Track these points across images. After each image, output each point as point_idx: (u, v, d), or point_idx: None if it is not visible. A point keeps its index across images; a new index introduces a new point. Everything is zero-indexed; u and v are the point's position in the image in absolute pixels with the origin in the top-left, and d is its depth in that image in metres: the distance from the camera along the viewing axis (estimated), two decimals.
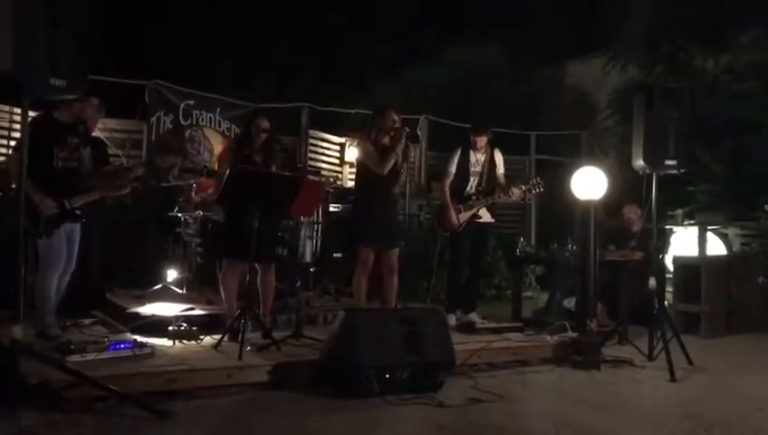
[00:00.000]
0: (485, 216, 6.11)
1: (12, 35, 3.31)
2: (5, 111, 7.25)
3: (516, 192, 6.06)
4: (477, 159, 6.12)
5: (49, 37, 3.46)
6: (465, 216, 6.04)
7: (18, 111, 6.38)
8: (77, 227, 4.79)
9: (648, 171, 5.41)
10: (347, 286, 7.07)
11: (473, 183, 6.09)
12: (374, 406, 3.94)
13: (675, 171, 5.46)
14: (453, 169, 6.12)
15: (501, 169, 6.17)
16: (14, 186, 5.80)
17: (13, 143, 7.10)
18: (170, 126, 8.19)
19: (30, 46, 3.38)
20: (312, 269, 6.03)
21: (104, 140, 5.90)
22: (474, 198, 6.06)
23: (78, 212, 4.73)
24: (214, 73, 11.73)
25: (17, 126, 7.05)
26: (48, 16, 3.46)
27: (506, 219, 10.24)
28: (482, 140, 6.05)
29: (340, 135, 9.85)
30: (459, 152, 6.14)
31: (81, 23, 3.62)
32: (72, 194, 4.67)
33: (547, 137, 11.18)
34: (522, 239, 7.79)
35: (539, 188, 6.15)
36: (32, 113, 4.16)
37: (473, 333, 5.57)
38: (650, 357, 5.31)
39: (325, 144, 9.75)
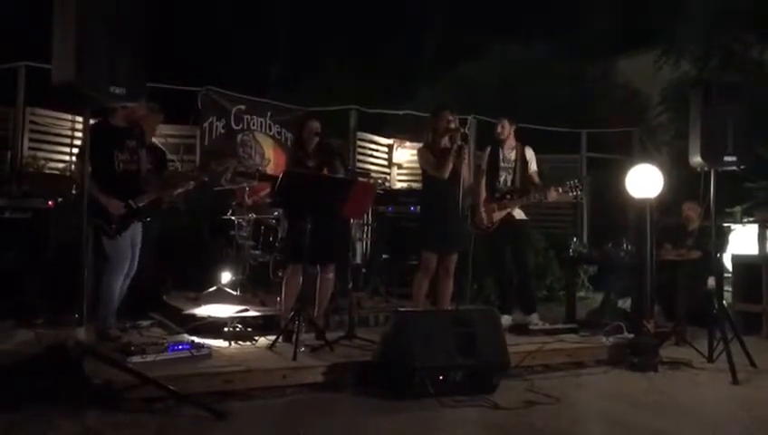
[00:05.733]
0: (519, 214, 6.00)
1: (74, 47, 3.43)
2: (67, 120, 7.49)
3: (553, 194, 5.81)
4: (506, 156, 6.03)
5: (108, 47, 3.57)
6: (498, 215, 5.95)
7: (80, 119, 6.60)
8: (139, 228, 4.93)
9: (705, 168, 5.28)
10: (397, 287, 7.10)
11: (504, 181, 6.01)
12: (428, 408, 3.93)
13: (734, 168, 5.30)
14: (484, 166, 6.07)
15: (533, 167, 6.02)
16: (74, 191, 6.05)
17: (75, 151, 7.37)
18: (222, 131, 8.35)
19: (91, 57, 3.49)
20: (362, 270, 6.05)
21: (162, 147, 6.03)
22: (507, 196, 5.96)
23: (143, 211, 4.87)
24: (263, 78, 11.89)
25: (79, 134, 7.28)
26: (107, 27, 3.57)
27: (558, 219, 10.14)
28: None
29: (387, 136, 9.87)
30: (489, 150, 6.10)
31: (138, 31, 3.71)
32: (135, 194, 4.80)
33: (598, 135, 11.00)
34: (575, 239, 7.66)
35: (578, 191, 5.85)
36: (92, 120, 4.29)
37: (527, 335, 5.51)
38: (710, 359, 5.17)
39: (373, 146, 9.78)
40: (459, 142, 5.29)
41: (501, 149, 6.04)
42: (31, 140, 7.30)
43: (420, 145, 5.77)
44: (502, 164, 6.02)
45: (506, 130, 6.04)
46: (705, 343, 5.23)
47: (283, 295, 5.20)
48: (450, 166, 5.29)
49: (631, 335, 5.41)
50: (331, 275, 5.29)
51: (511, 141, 6.07)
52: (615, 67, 12.86)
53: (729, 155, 5.23)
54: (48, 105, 7.39)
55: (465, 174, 5.39)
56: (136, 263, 4.93)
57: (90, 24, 3.50)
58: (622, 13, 12.46)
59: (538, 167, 6.10)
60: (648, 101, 11.54)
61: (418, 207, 6.45)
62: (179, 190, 5.41)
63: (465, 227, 5.68)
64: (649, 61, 11.01)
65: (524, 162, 6.02)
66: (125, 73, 3.63)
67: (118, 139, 4.79)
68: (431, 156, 5.43)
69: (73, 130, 7.50)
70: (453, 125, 5.38)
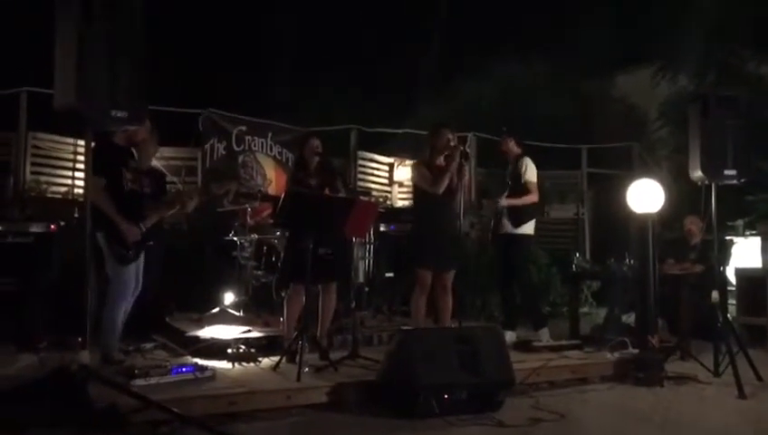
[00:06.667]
0: (508, 227, 5.99)
1: (75, 72, 3.45)
2: (69, 144, 7.52)
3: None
4: (509, 169, 6.11)
5: (109, 71, 3.59)
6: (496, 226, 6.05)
7: (82, 142, 6.62)
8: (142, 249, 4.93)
9: (706, 182, 5.29)
10: (400, 306, 7.09)
11: (504, 194, 6.05)
12: (434, 427, 3.92)
13: (734, 181, 5.32)
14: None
15: (526, 177, 5.98)
16: (75, 214, 6.05)
17: (78, 174, 7.39)
18: (224, 152, 8.37)
19: (92, 81, 3.52)
20: (365, 289, 6.05)
21: (163, 170, 6.05)
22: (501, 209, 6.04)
23: (149, 235, 4.87)
24: (264, 99, 11.94)
25: (81, 157, 7.29)
26: (108, 51, 3.60)
27: (560, 234, 10.12)
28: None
29: (388, 155, 9.90)
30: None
31: (139, 55, 3.74)
32: (142, 216, 4.81)
33: (598, 150, 11.02)
34: (577, 254, 7.66)
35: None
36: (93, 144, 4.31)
37: (531, 352, 5.49)
38: (716, 373, 5.14)
39: (374, 165, 9.81)
40: (459, 160, 5.29)
41: (507, 166, 6.13)
42: (33, 164, 7.31)
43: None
44: (506, 179, 6.10)
45: (505, 144, 6.11)
46: (710, 357, 5.21)
47: (285, 316, 5.19)
48: (446, 182, 5.30)
49: (636, 350, 5.40)
50: (333, 295, 5.28)
51: (514, 154, 6.11)
52: (613, 83, 12.91)
53: (729, 169, 5.24)
54: (50, 129, 7.42)
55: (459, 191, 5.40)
56: (140, 284, 4.93)
57: (91, 48, 3.53)
58: (619, 29, 12.54)
59: (538, 179, 6.07)
60: (647, 117, 11.57)
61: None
62: (173, 211, 5.36)
63: (460, 244, 5.69)
64: (647, 76, 11.06)
65: (518, 172, 6.03)
66: (126, 97, 3.65)
67: (123, 158, 4.81)
68: (427, 171, 5.43)
69: (75, 153, 7.52)
70: (452, 143, 5.40)
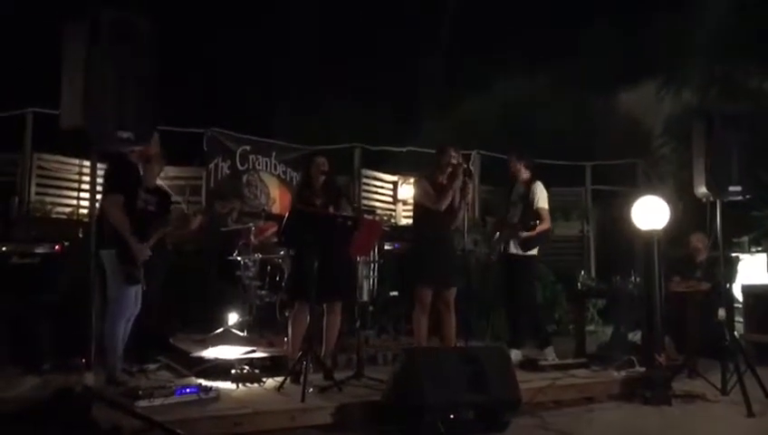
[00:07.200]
0: (514, 248, 6.00)
1: (83, 92, 3.47)
2: (74, 164, 7.56)
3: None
4: (517, 191, 6.11)
5: (116, 91, 3.62)
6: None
7: (87, 163, 6.66)
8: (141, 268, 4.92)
9: (711, 198, 5.27)
10: (405, 325, 7.05)
11: (511, 216, 6.07)
12: None
13: (739, 197, 5.30)
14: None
15: (539, 203, 6.00)
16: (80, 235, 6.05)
17: (84, 195, 7.42)
18: (228, 171, 8.39)
19: (99, 101, 3.54)
20: (370, 308, 6.02)
21: (167, 189, 6.06)
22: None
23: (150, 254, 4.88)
24: (268, 118, 11.99)
25: (86, 178, 7.34)
26: (114, 71, 3.62)
27: (565, 252, 10.09)
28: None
29: (392, 173, 9.91)
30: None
31: (145, 76, 3.76)
32: (146, 236, 4.81)
33: (602, 167, 11.02)
34: (582, 272, 7.62)
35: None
36: (100, 164, 4.33)
37: (537, 371, 5.46)
38: (724, 391, 5.10)
39: (378, 183, 9.83)
40: (462, 178, 5.30)
41: (515, 185, 6.12)
42: (38, 185, 7.35)
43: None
44: (512, 199, 6.09)
45: (514, 167, 6.10)
46: (717, 376, 5.16)
47: (290, 335, 5.17)
48: (449, 199, 5.30)
49: (643, 369, 5.35)
50: (338, 315, 5.26)
51: (524, 177, 6.11)
52: (617, 99, 12.93)
53: (734, 185, 5.22)
54: (55, 150, 7.46)
55: (461, 209, 5.40)
56: (139, 303, 4.92)
57: (98, 68, 3.56)
58: (623, 44, 12.58)
59: (552, 197, 6.11)
60: (651, 133, 11.58)
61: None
62: (179, 232, 5.37)
63: (461, 262, 5.69)
64: (651, 92, 11.08)
65: (530, 198, 6.03)
66: (132, 117, 3.68)
67: (138, 176, 4.83)
68: (430, 187, 5.44)
69: (80, 174, 7.57)
70: (455, 160, 5.40)
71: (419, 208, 5.58)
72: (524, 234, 5.92)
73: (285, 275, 6.12)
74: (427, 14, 13.76)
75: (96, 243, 3.90)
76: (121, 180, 4.33)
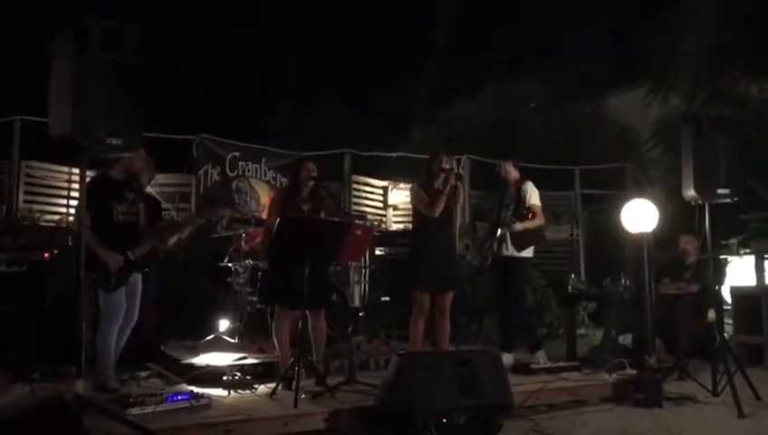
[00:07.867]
0: (509, 250, 6.00)
1: (71, 100, 3.46)
2: (63, 172, 7.53)
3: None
4: (510, 193, 6.13)
5: (105, 98, 3.60)
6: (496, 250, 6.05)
7: (76, 171, 6.63)
8: (139, 278, 4.93)
9: (699, 201, 5.31)
10: (396, 330, 7.05)
11: (515, 222, 6.03)
12: None
13: (727, 200, 5.35)
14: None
15: (532, 200, 6.03)
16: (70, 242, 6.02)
17: (72, 202, 7.39)
18: (217, 178, 8.36)
19: (88, 108, 3.53)
20: (361, 314, 6.01)
21: (157, 196, 6.04)
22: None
23: (141, 262, 4.86)
24: (257, 124, 11.99)
25: (75, 185, 7.30)
26: (103, 79, 3.61)
27: (555, 256, 10.12)
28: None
29: (382, 179, 9.92)
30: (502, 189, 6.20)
31: (134, 83, 3.75)
32: (133, 246, 4.79)
33: (591, 171, 11.08)
34: (573, 276, 7.65)
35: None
36: (89, 173, 4.32)
37: (529, 374, 5.47)
38: (714, 392, 5.13)
39: (368, 188, 9.82)
40: (453, 182, 5.32)
41: (507, 189, 6.14)
42: (26, 192, 7.31)
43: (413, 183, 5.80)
44: (504, 202, 6.12)
45: (503, 171, 6.12)
46: (708, 377, 5.20)
47: (276, 341, 5.13)
48: (442, 205, 5.32)
49: (634, 371, 5.37)
50: (322, 320, 5.23)
51: (514, 177, 6.15)
52: (605, 104, 13.02)
53: (722, 187, 5.27)
54: (43, 158, 7.42)
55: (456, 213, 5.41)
56: (137, 312, 4.91)
57: (86, 76, 3.54)
58: (611, 50, 12.67)
59: (541, 201, 6.12)
60: (639, 137, 11.66)
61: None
62: (174, 239, 5.35)
63: (457, 267, 5.69)
64: (639, 96, 11.16)
65: (521, 197, 6.06)
66: (121, 124, 3.66)
67: (116, 191, 4.82)
68: (424, 194, 5.46)
69: (69, 181, 7.53)
70: (447, 165, 5.42)
71: (415, 213, 5.62)
72: (519, 224, 5.91)
73: (260, 276, 6.05)
74: (414, 19, 13.83)
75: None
76: (92, 201, 4.36)
